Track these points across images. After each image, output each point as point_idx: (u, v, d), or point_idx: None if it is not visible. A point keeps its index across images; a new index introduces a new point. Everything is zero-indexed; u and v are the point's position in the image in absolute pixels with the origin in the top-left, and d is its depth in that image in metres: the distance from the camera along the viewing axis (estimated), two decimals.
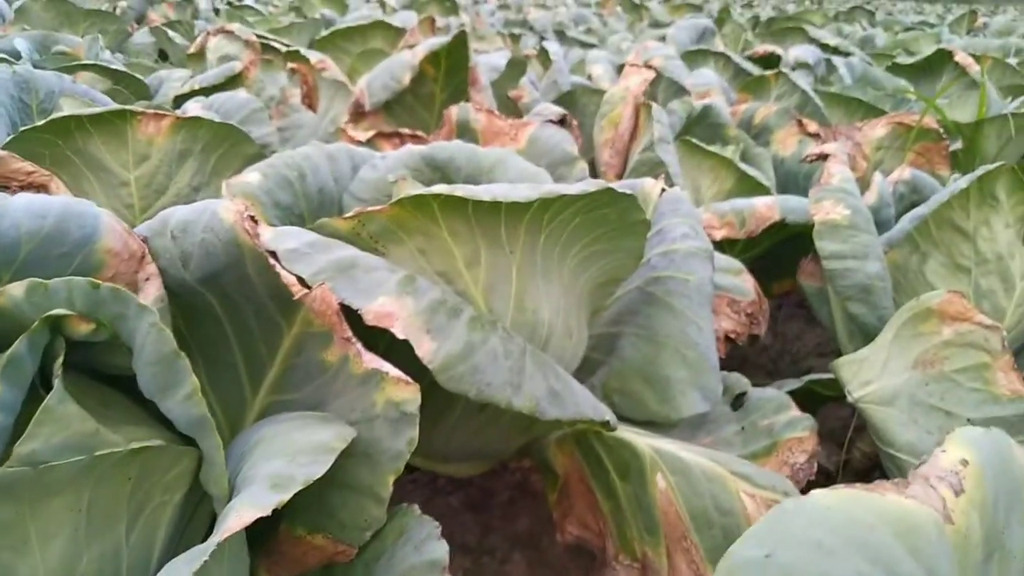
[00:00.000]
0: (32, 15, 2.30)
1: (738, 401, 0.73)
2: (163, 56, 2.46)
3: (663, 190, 0.78)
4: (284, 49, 2.03)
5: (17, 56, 1.42)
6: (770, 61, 2.01)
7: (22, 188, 0.60)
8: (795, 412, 0.70)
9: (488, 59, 1.23)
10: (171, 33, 2.40)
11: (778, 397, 0.71)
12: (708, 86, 1.51)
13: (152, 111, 0.85)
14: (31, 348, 0.43)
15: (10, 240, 0.48)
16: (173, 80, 1.50)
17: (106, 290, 0.45)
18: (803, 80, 1.73)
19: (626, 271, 0.72)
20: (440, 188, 0.56)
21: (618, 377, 0.70)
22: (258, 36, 2.22)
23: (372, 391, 0.47)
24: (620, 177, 1.26)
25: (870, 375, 0.71)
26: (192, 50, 2.10)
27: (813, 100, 1.32)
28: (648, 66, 1.27)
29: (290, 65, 1.44)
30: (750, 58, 2.05)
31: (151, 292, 0.53)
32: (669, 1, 4.15)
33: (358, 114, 1.10)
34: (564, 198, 0.58)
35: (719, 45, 2.06)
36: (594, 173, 1.38)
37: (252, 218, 0.53)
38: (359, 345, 0.48)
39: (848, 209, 0.80)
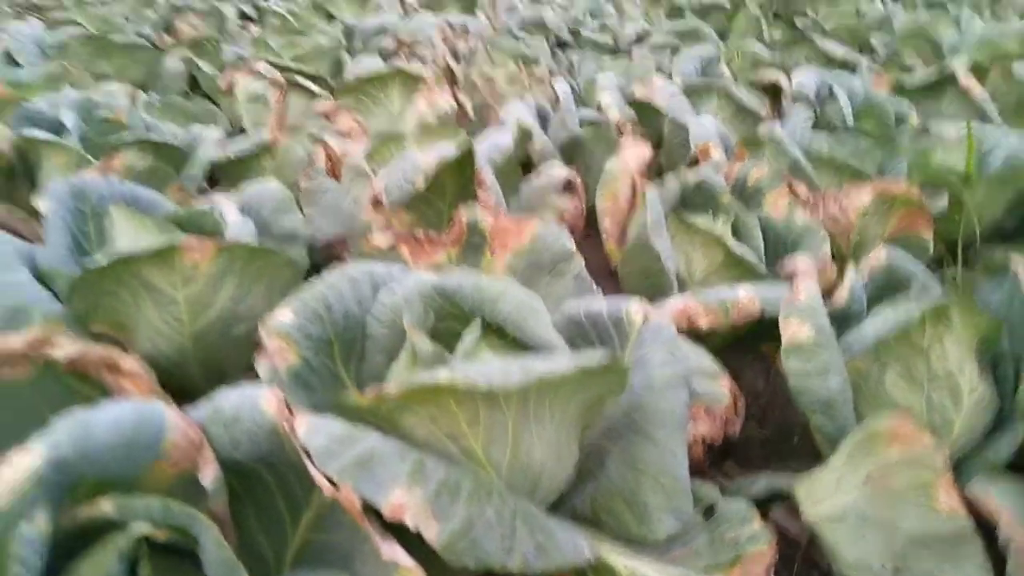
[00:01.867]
0: (71, 51, 2.41)
1: (708, 511, 0.83)
2: (193, 84, 2.57)
3: (646, 318, 0.88)
4: (314, 89, 2.13)
5: (61, 129, 1.54)
6: (776, 87, 2.06)
7: (98, 372, 0.72)
8: (757, 525, 0.81)
9: (495, 140, 1.32)
10: (200, 63, 2.50)
11: (743, 510, 0.82)
12: (707, 139, 1.58)
13: (196, 241, 0.96)
14: (120, 558, 0.55)
15: (99, 451, 0.60)
16: (208, 143, 1.61)
17: (179, 509, 0.57)
18: (802, 122, 1.79)
19: (613, 398, 0.83)
20: (444, 377, 0.66)
21: (605, 495, 0.81)
22: (283, 68, 2.32)
23: (391, 571, 0.59)
24: (619, 244, 1.35)
25: (823, 494, 0.81)
26: (223, 87, 2.21)
27: (801, 164, 1.39)
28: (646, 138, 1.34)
29: (316, 139, 1.53)
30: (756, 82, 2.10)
31: (209, 474, 0.65)
32: None
33: (378, 203, 1.20)
34: (551, 380, 0.68)
35: (724, 71, 2.10)
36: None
37: (289, 409, 0.65)
38: (377, 538, 0.59)
39: (812, 329, 0.89)
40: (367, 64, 2.59)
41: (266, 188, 1.26)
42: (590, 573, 0.76)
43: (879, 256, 1.14)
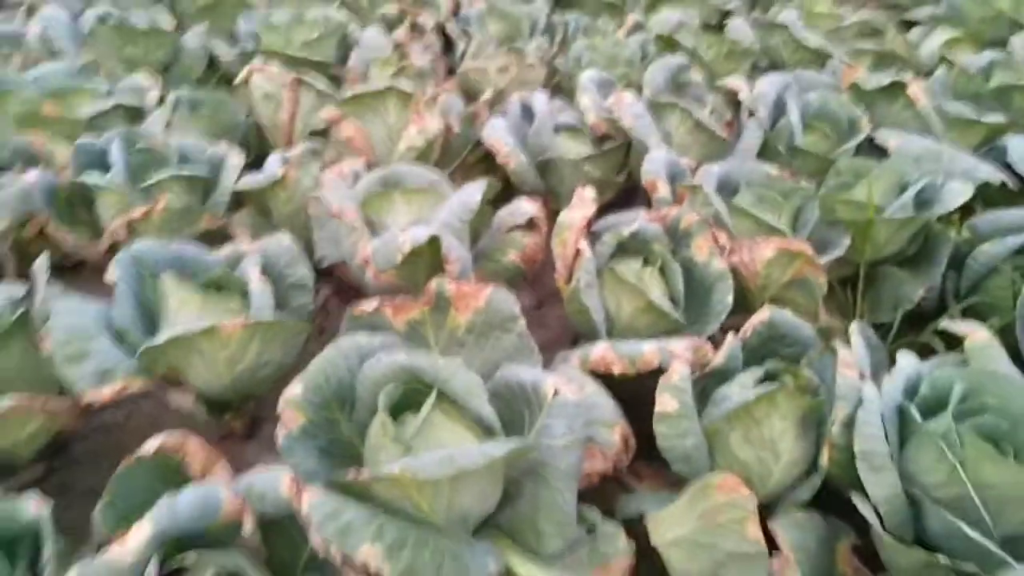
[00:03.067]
0: (100, 37, 2.64)
1: (591, 529, 1.20)
2: (211, 64, 2.80)
3: (556, 392, 1.21)
4: (320, 88, 2.36)
5: (109, 164, 1.84)
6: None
7: (175, 452, 1.08)
8: (623, 541, 1.18)
9: (464, 199, 1.59)
10: (215, 47, 2.72)
11: (613, 530, 1.18)
12: (655, 175, 1.84)
13: (229, 323, 1.30)
14: None
15: (183, 521, 0.97)
16: (229, 171, 1.91)
17: (231, 560, 0.94)
18: (751, 143, 2.02)
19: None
20: (396, 469, 1.01)
21: (517, 520, 1.18)
22: (292, 59, 2.55)
23: None
24: (567, 283, 1.65)
25: (667, 526, 1.17)
26: (237, 82, 2.46)
27: (722, 217, 1.66)
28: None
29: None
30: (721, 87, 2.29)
31: (248, 525, 1.02)
32: None
33: (367, 262, 1.51)
34: (470, 469, 1.03)
35: (695, 76, 2.29)
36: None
37: (299, 489, 1.01)
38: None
39: (678, 403, 1.22)
40: (371, 43, 2.79)
41: (280, 243, 1.57)
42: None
43: (763, 315, 1.44)
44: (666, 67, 2.22)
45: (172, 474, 1.08)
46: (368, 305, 1.40)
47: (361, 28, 2.97)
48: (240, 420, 1.53)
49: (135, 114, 2.30)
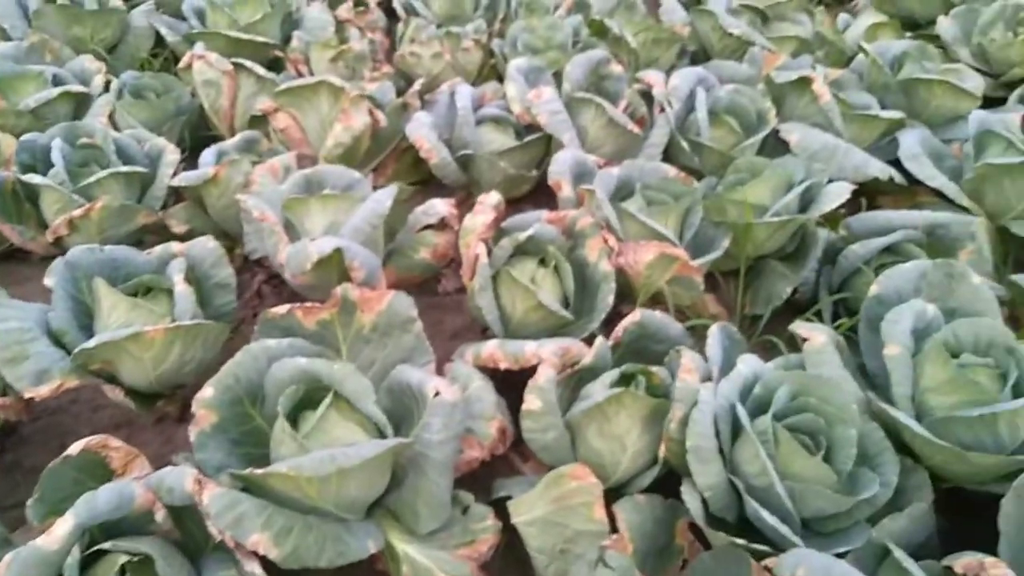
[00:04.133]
0: (46, 18, 2.70)
1: (465, 510, 1.41)
2: (160, 42, 2.87)
3: (437, 393, 1.39)
4: (261, 73, 2.46)
5: (51, 161, 1.96)
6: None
7: (100, 449, 1.26)
8: (491, 520, 1.38)
9: (374, 207, 1.74)
10: (162, 24, 2.79)
11: (483, 510, 1.39)
12: (559, 175, 1.99)
13: (151, 329, 1.46)
14: (117, 570, 1.13)
15: (101, 512, 1.15)
16: (166, 166, 2.04)
17: (144, 545, 1.13)
18: (657, 140, 2.16)
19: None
20: (285, 467, 1.20)
21: (400, 503, 1.38)
22: (235, 41, 2.63)
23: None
24: (470, 281, 1.82)
25: (526, 508, 1.38)
26: (182, 66, 2.55)
27: (611, 222, 1.82)
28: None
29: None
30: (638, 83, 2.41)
31: (160, 513, 1.21)
32: None
33: (283, 266, 1.67)
34: (349, 466, 1.22)
35: (615, 69, 2.41)
36: None
37: (200, 484, 1.19)
38: (244, 559, 1.16)
39: (541, 402, 1.41)
40: (314, 23, 2.87)
41: (206, 246, 1.72)
42: (385, 552, 1.35)
43: (635, 317, 1.62)
44: (586, 61, 2.33)
45: (96, 470, 1.27)
46: (280, 309, 1.57)
47: (307, 3, 3.03)
48: (173, 405, 1.71)
49: (80, 100, 2.40)
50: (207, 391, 1.39)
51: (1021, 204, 2.08)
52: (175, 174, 2.07)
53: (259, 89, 2.48)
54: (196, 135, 2.56)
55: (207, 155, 2.08)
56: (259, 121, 2.40)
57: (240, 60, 2.46)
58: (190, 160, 2.32)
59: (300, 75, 2.64)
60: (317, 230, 1.75)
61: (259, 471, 1.23)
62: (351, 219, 1.74)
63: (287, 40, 2.81)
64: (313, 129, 2.28)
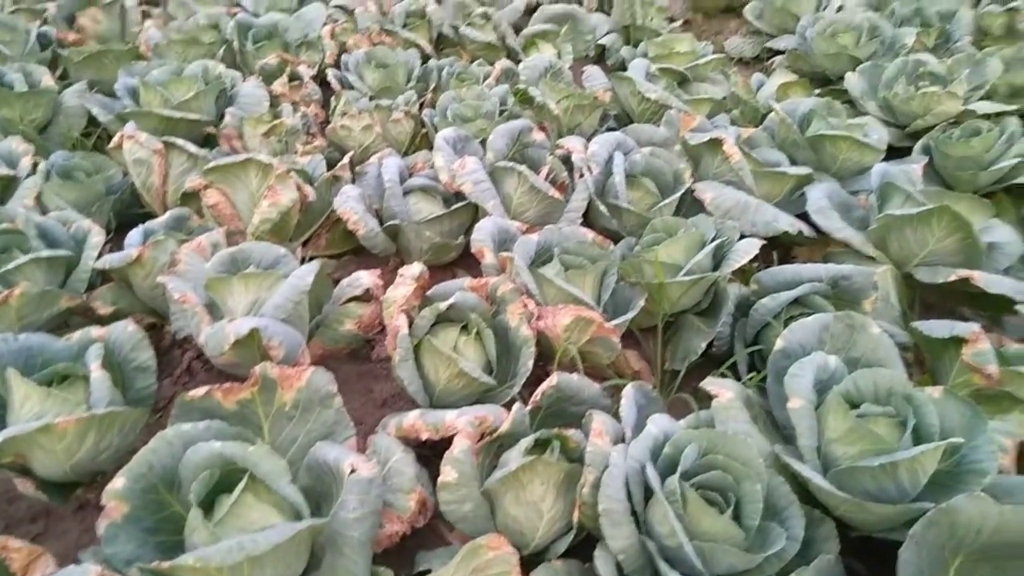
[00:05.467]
0: None
1: None
2: (93, 121, 2.90)
3: (353, 470, 1.41)
4: (191, 150, 2.49)
5: None
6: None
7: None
8: None
9: (295, 283, 1.77)
10: (94, 105, 2.82)
11: None
12: (482, 243, 2.04)
13: (63, 420, 1.46)
14: None
15: None
16: (91, 248, 2.05)
17: None
18: (577, 205, 2.24)
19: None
20: (192, 559, 1.19)
21: None
22: (168, 120, 2.67)
23: None
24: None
25: None
26: (112, 145, 2.57)
27: (530, 288, 1.87)
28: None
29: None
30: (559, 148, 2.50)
31: None
32: None
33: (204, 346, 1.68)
34: (258, 553, 1.22)
35: (537, 137, 2.50)
36: None
37: None
38: None
39: (457, 473, 1.43)
40: (248, 98, 2.92)
41: (125, 330, 1.72)
42: None
43: (552, 381, 1.66)
44: (508, 131, 2.42)
45: None
46: (198, 391, 1.57)
47: (242, 79, 3.10)
48: (93, 492, 1.68)
49: (7, 183, 2.40)
50: (118, 481, 1.38)
51: (923, 251, 2.19)
52: (100, 256, 2.07)
53: (191, 166, 2.51)
54: (128, 213, 2.57)
55: (134, 235, 2.09)
56: (190, 198, 2.42)
57: (171, 139, 2.49)
58: (120, 238, 2.33)
59: (234, 150, 2.68)
60: (239, 308, 1.77)
61: (166, 564, 1.23)
62: (273, 296, 1.76)
63: (222, 116, 2.86)
64: (243, 204, 2.31)
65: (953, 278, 2.10)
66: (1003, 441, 1.62)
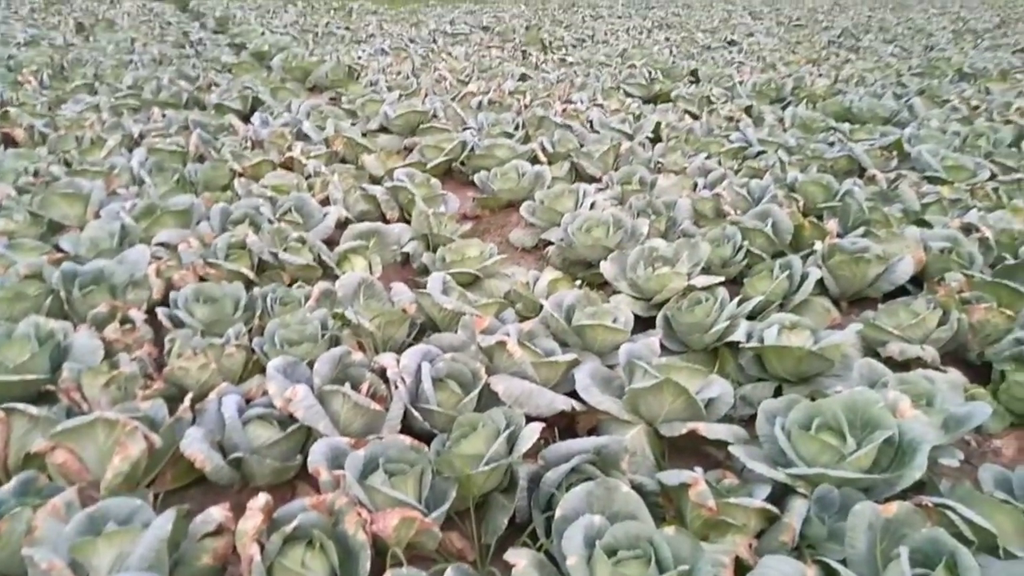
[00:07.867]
0: None
1: None
2: None
3: None
4: (33, 412, 2.69)
5: None
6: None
7: None
8: None
9: (153, 532, 2.07)
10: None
11: None
12: (317, 463, 2.45)
13: None
14: None
15: None
16: None
17: None
18: None
19: None
20: None
21: None
22: (2, 383, 2.85)
23: None
24: None
25: None
26: None
27: (361, 497, 2.30)
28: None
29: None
30: None
31: None
32: None
33: None
34: None
35: (356, 358, 2.99)
36: None
37: None
38: None
39: None
40: (82, 350, 3.17)
41: None
42: None
43: None
44: (330, 357, 2.89)
45: None
46: None
47: (74, 328, 3.34)
48: None
49: None
50: None
51: (663, 412, 2.88)
52: None
53: (32, 427, 2.71)
54: None
55: None
56: (34, 458, 2.61)
57: (12, 405, 2.69)
58: None
59: (74, 402, 2.91)
60: (104, 566, 2.02)
61: None
62: (137, 549, 2.04)
63: (57, 369, 3.07)
64: (91, 459, 2.55)
65: (685, 431, 2.79)
66: (722, 559, 2.23)
